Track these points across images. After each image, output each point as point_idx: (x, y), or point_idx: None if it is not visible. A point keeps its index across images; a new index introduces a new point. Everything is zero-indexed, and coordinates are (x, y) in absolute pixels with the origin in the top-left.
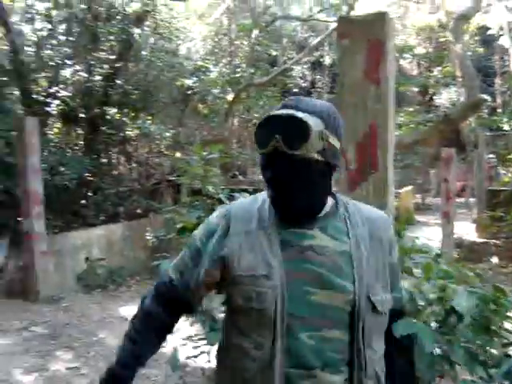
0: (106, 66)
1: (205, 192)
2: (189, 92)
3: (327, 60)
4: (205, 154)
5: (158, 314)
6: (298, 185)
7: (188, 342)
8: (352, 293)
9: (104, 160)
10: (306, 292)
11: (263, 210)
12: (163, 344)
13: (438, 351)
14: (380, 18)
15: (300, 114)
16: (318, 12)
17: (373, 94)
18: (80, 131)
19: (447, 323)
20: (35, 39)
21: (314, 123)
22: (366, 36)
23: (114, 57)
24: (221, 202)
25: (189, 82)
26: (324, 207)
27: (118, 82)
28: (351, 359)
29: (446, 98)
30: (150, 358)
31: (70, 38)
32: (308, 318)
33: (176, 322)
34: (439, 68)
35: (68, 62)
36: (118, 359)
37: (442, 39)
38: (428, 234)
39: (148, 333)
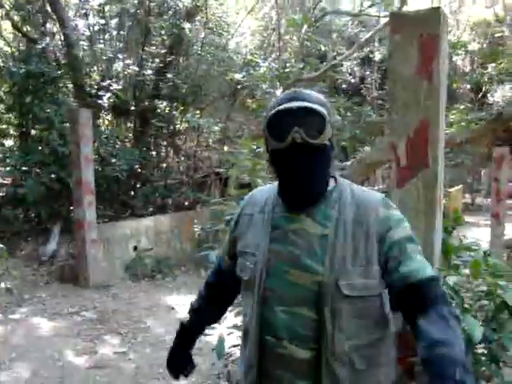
0: (157, 60)
1: (253, 185)
2: (238, 86)
3: (377, 56)
4: (253, 147)
5: (211, 298)
6: (316, 171)
7: (234, 331)
8: (320, 275)
9: (153, 152)
10: (284, 271)
11: (270, 196)
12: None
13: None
14: (434, 14)
15: (314, 106)
16: (369, 7)
17: (425, 89)
18: (130, 124)
19: (497, 318)
20: (88, 34)
21: (325, 113)
22: (419, 32)
23: (164, 51)
24: None
25: (238, 76)
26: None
27: (169, 75)
28: (319, 337)
29: (500, 95)
30: (211, 323)
31: (122, 33)
32: (284, 295)
33: (228, 305)
34: (494, 64)
35: (120, 55)
36: (187, 319)
37: (498, 34)
38: (477, 235)
39: (209, 303)
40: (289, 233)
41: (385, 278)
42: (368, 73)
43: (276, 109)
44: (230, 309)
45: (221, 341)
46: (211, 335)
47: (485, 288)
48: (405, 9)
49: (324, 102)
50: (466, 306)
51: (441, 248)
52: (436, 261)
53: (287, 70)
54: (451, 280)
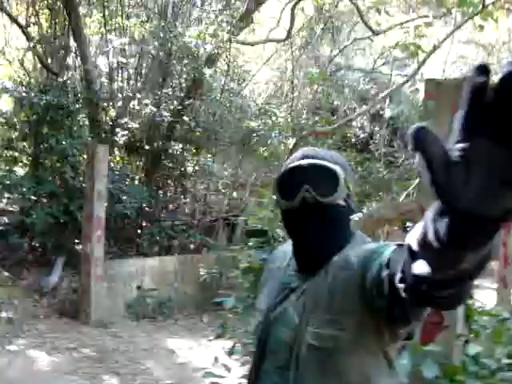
0: (175, 102)
1: (272, 234)
2: (253, 134)
3: (387, 112)
4: (273, 196)
5: None
6: (327, 235)
7: (242, 382)
8: (294, 330)
9: (162, 193)
10: (279, 330)
11: (288, 252)
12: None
13: None
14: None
15: (326, 163)
16: (382, 65)
17: None
18: (140, 162)
19: None
20: (107, 71)
21: (339, 171)
22: (452, 99)
23: (183, 94)
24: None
25: (254, 124)
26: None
27: (185, 118)
28: None
29: None
30: None
31: (141, 72)
32: (276, 354)
33: None
34: None
35: (138, 95)
36: None
37: None
38: (481, 298)
39: None
40: (291, 291)
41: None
42: (377, 129)
43: (286, 166)
44: (238, 358)
45: None
46: None
47: (506, 361)
48: (423, 69)
49: (339, 161)
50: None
51: (463, 312)
52: (459, 326)
53: (303, 121)
54: (473, 350)
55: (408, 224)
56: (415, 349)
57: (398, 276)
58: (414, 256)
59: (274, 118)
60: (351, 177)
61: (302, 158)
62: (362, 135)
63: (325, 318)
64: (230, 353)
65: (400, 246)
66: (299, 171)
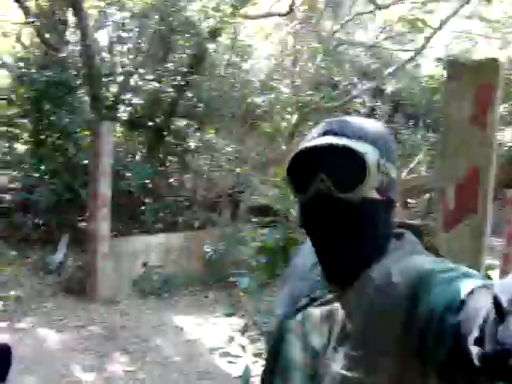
0: (178, 78)
1: (282, 213)
2: (258, 110)
3: (389, 88)
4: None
5: None
6: (352, 236)
7: (259, 360)
8: (311, 357)
9: (165, 169)
10: (292, 350)
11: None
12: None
13: None
14: (492, 64)
15: (351, 143)
16: (383, 39)
17: (478, 138)
18: (141, 138)
19: None
20: (108, 46)
21: (370, 153)
22: (477, 81)
23: (185, 69)
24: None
25: (258, 100)
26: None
27: (189, 94)
28: None
29: (510, 136)
30: None
31: (143, 47)
32: (285, 375)
33: None
34: (505, 105)
35: (140, 70)
36: None
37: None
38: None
39: None
40: (314, 301)
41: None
42: (379, 104)
43: (302, 145)
44: (251, 335)
45: (247, 369)
46: (236, 363)
47: None
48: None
49: (375, 136)
50: None
51: None
52: None
53: (306, 97)
54: None
55: (409, 200)
56: None
57: (475, 335)
58: (503, 315)
59: (277, 94)
60: (392, 158)
61: (324, 134)
62: (362, 111)
63: (354, 356)
64: (243, 331)
65: (481, 287)
66: (315, 154)
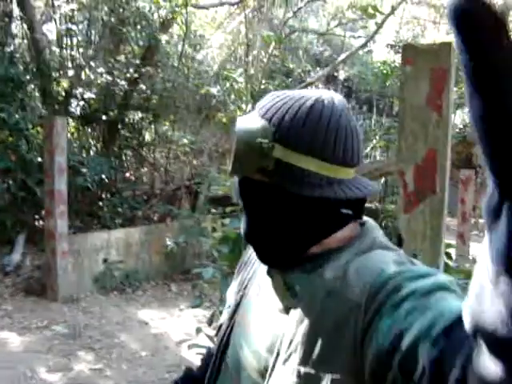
0: (131, 70)
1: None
2: (213, 100)
3: (341, 74)
4: None
5: None
6: (249, 215)
7: None
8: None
9: (121, 163)
10: (237, 351)
11: None
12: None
13: None
14: (445, 48)
15: (240, 120)
16: (335, 26)
17: (434, 121)
18: (96, 133)
19: None
20: (57, 39)
21: (249, 131)
22: (431, 64)
23: (138, 61)
24: None
25: (214, 90)
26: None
27: (142, 86)
28: None
29: (459, 119)
30: None
31: (92, 39)
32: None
33: None
34: (455, 89)
35: (91, 63)
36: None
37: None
38: None
39: None
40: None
41: None
42: (332, 90)
43: None
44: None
45: None
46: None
47: None
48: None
49: (275, 117)
50: None
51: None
52: None
53: (261, 86)
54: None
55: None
56: None
57: (456, 372)
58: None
59: (232, 83)
60: (300, 145)
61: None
62: None
63: (304, 373)
64: (210, 322)
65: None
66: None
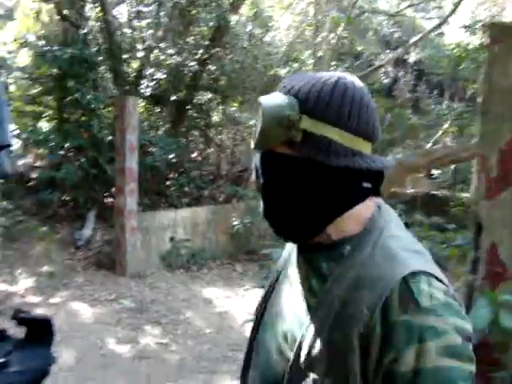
0: (200, 51)
1: None
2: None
3: (412, 57)
4: None
5: None
6: (270, 190)
7: None
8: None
9: (188, 143)
10: (267, 344)
11: None
12: None
13: None
14: None
15: (264, 97)
16: (407, 7)
17: None
18: (164, 113)
19: None
20: (128, 21)
21: (276, 105)
22: None
23: (206, 42)
24: None
25: (282, 71)
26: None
27: (211, 67)
28: None
29: None
30: None
31: (162, 21)
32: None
33: None
34: None
35: (161, 44)
36: None
37: None
38: None
39: None
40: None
41: None
42: (402, 74)
43: None
44: None
45: None
46: None
47: None
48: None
49: (301, 91)
50: None
51: None
52: None
53: (331, 68)
54: None
55: (434, 172)
56: (492, 299)
57: None
58: None
59: (300, 65)
60: (328, 116)
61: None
62: (385, 81)
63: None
64: None
65: None
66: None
